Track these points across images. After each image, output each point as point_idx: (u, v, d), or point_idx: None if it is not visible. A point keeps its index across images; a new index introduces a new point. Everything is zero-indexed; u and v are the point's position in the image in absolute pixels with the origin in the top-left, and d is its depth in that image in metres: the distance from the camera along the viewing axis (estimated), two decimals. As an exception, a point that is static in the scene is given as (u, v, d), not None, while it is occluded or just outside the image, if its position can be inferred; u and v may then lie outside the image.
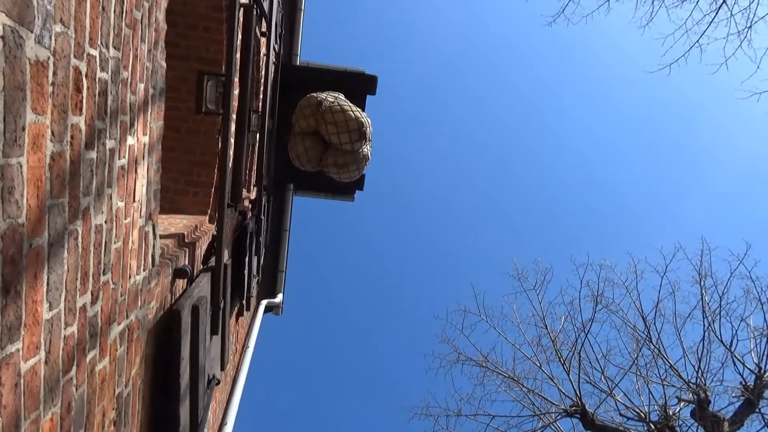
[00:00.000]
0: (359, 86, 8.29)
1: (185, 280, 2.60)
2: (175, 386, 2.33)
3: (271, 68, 6.00)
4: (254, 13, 3.74)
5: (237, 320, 5.22)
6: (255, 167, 5.81)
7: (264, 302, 8.52)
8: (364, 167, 7.37)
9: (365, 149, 7.12)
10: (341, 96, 7.14)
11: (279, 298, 9.09)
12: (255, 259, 5.54)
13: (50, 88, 1.20)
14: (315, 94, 7.08)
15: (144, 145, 1.90)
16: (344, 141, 6.83)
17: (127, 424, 1.92)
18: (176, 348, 2.32)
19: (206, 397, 3.00)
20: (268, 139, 6.05)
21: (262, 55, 5.25)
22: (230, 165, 3.90)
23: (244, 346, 6.59)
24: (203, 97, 3.03)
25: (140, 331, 2.04)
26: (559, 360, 9.91)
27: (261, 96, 5.57)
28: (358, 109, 7.09)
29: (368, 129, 6.89)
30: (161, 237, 2.81)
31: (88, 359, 1.52)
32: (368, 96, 8.34)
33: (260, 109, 5.47)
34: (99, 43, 1.43)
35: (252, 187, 6.00)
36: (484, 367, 10.34)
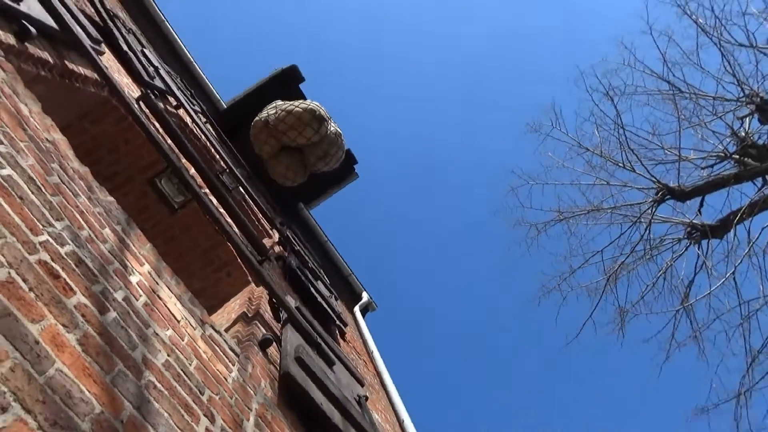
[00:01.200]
0: (287, 83, 8.16)
1: (274, 346, 2.65)
2: (333, 427, 2.40)
3: (206, 128, 5.96)
4: (153, 96, 3.70)
5: (344, 340, 5.32)
6: (260, 215, 5.83)
7: (356, 308, 8.67)
8: (342, 142, 7.30)
9: (331, 128, 7.04)
10: (279, 102, 7.05)
11: (365, 296, 9.22)
12: (319, 284, 5.62)
13: (32, 295, 1.21)
14: (257, 118, 7.00)
15: (149, 273, 1.92)
16: (310, 135, 6.77)
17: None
18: (309, 400, 2.38)
19: (366, 415, 3.09)
20: (250, 185, 6.05)
21: (190, 124, 5.20)
22: (236, 231, 3.93)
23: (370, 353, 6.74)
24: (167, 196, 3.03)
25: (271, 410, 2.10)
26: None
27: (216, 156, 5.54)
28: (300, 101, 6.99)
29: (320, 110, 6.79)
30: (230, 326, 2.87)
31: (244, 465, 1.57)
32: (300, 85, 8.21)
33: (225, 167, 5.45)
34: (41, 226, 1.43)
35: (271, 231, 6.04)
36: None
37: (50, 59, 2.52)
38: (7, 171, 1.42)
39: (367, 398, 3.36)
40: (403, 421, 4.87)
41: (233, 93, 8.57)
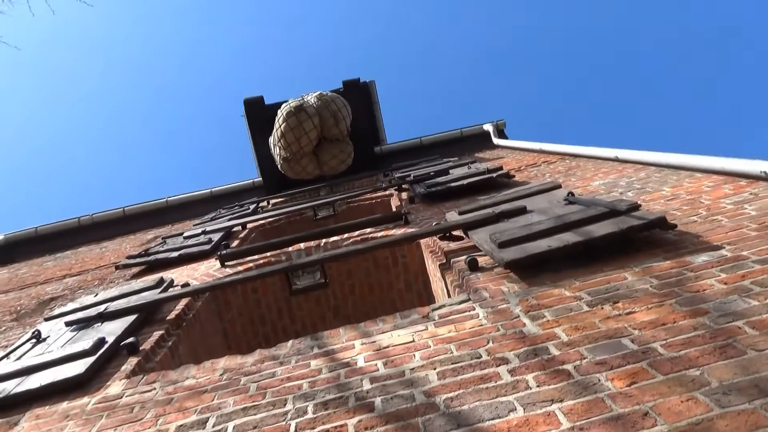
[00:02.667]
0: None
1: (478, 258, 2.74)
2: (573, 245, 2.44)
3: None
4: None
5: (511, 177, 5.28)
6: (367, 196, 6.03)
7: (495, 140, 8.58)
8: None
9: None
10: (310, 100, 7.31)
11: (487, 127, 9.07)
12: (453, 172, 5.64)
13: None
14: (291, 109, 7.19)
15: (362, 344, 2.11)
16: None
17: None
18: (539, 256, 2.44)
19: (583, 203, 3.07)
20: (337, 193, 6.26)
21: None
22: (369, 231, 4.09)
23: (540, 151, 6.64)
24: (303, 287, 3.26)
25: (529, 296, 2.20)
26: None
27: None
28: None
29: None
30: (443, 286, 3.03)
31: None
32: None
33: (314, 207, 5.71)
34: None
35: (386, 193, 6.19)
36: None
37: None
38: (228, 427, 1.65)
39: (572, 193, 3.35)
40: (616, 156, 4.75)
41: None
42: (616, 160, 4.76)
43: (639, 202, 2.81)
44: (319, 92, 7.57)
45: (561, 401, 1.45)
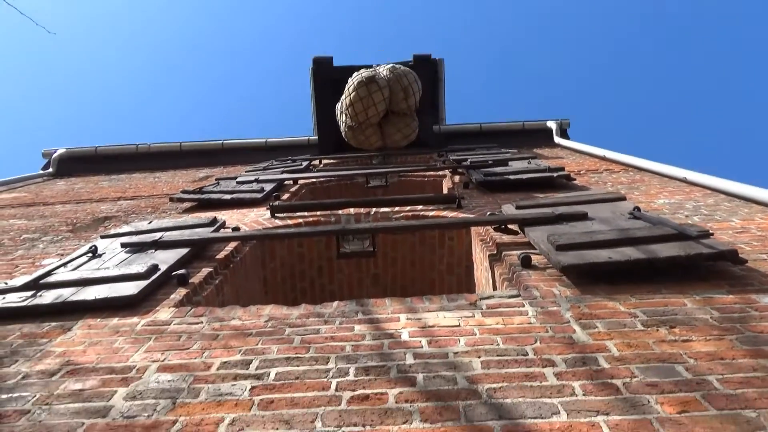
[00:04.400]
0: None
1: (532, 256, 2.72)
2: (631, 263, 2.39)
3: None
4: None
5: (572, 180, 5.16)
6: (421, 173, 6.02)
7: (557, 139, 8.41)
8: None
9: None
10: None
11: (550, 124, 8.87)
12: (512, 165, 5.56)
13: (367, 427, 1.44)
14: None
15: (407, 319, 2.13)
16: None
17: None
18: (598, 266, 2.40)
19: (648, 221, 2.99)
20: (389, 164, 6.25)
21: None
22: (420, 209, 4.10)
23: (603, 158, 6.47)
24: (353, 251, 3.28)
25: (582, 305, 2.17)
26: None
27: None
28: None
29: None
30: (491, 276, 3.01)
31: None
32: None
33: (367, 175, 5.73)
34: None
35: (440, 174, 6.16)
36: None
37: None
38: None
39: (638, 208, 3.26)
40: (685, 178, 4.59)
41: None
42: (684, 181, 4.60)
43: (710, 231, 2.71)
44: (391, 65, 7.52)
45: (607, 414, 1.44)
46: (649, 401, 1.49)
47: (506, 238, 3.19)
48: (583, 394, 1.54)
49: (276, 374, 1.78)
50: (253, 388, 1.70)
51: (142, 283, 2.59)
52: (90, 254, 3.22)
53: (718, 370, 1.63)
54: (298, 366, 1.82)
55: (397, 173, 6.07)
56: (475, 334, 1.98)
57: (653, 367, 1.67)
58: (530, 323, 2.05)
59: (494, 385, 1.61)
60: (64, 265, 3.03)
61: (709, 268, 2.45)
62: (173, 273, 2.79)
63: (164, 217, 4.72)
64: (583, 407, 1.48)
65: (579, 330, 1.96)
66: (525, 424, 1.41)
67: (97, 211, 5.34)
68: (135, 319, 2.34)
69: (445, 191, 5.63)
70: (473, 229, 3.75)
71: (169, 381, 1.78)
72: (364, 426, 1.45)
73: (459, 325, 2.07)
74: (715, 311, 2.04)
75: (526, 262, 2.64)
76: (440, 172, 6.20)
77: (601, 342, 1.86)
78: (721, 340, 1.81)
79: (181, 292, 2.65)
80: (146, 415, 1.58)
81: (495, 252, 3.09)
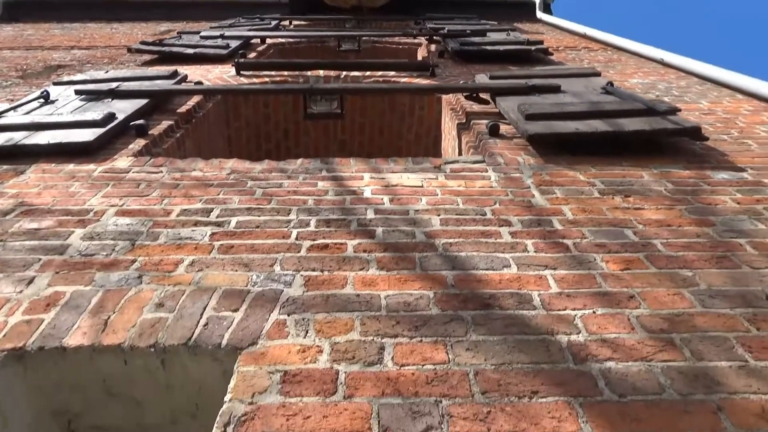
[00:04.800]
0: None
1: (502, 124, 2.70)
2: (599, 135, 2.40)
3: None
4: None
5: (550, 54, 5.02)
6: (395, 40, 5.75)
7: (539, 14, 8.07)
8: None
9: None
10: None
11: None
12: (489, 36, 5.36)
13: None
14: None
15: (371, 178, 2.13)
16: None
17: None
18: (565, 136, 2.40)
19: (620, 95, 2.97)
20: (365, 30, 5.93)
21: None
22: (392, 74, 3.96)
23: (584, 36, 6.29)
24: (319, 112, 3.18)
25: (544, 172, 2.20)
26: None
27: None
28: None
29: None
30: (457, 144, 3.00)
31: None
32: None
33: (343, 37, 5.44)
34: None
35: (416, 41, 5.91)
36: None
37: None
38: (233, 220, 1.71)
39: (611, 83, 3.21)
40: (662, 59, 4.52)
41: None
42: (661, 62, 4.53)
43: (679, 107, 2.71)
44: None
45: (554, 269, 1.50)
46: (595, 259, 1.56)
47: (477, 107, 3.14)
48: (535, 251, 1.60)
49: (237, 222, 1.78)
50: (213, 234, 1.71)
51: (98, 131, 2.50)
52: (42, 100, 3.05)
53: (663, 235, 1.70)
54: (259, 216, 1.83)
55: (371, 38, 5.79)
56: (437, 195, 2.00)
57: (604, 230, 1.73)
58: (491, 187, 2.07)
59: (451, 240, 1.66)
60: (14, 109, 2.88)
61: (671, 144, 2.49)
62: (132, 123, 2.69)
63: (122, 68, 4.46)
64: (533, 262, 1.54)
65: (538, 195, 2.00)
66: (476, 275, 1.47)
67: (49, 58, 5.00)
68: (92, 166, 2.28)
69: (419, 59, 5.43)
70: (444, 98, 3.67)
71: (127, 224, 1.77)
72: (322, 271, 1.49)
73: (422, 186, 2.08)
74: (670, 184, 2.10)
75: (493, 131, 2.62)
76: (416, 40, 5.94)
77: (557, 207, 1.90)
78: (671, 210, 1.88)
79: (140, 143, 2.57)
80: (104, 254, 1.59)
81: (464, 121, 3.05)
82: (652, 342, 1.21)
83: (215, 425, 0.99)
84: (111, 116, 2.67)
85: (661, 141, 2.49)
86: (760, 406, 1.03)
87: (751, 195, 2.00)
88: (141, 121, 2.68)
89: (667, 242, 1.66)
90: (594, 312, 1.31)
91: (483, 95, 3.19)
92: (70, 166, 2.27)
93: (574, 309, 1.32)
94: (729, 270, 1.51)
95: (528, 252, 1.60)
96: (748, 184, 2.10)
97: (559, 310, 1.32)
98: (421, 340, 1.21)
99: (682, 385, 1.08)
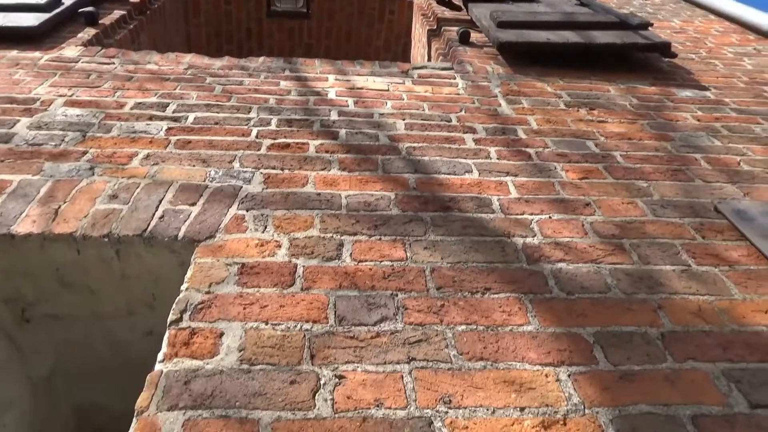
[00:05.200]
0: None
1: (473, 32, 2.62)
2: (573, 52, 2.36)
3: None
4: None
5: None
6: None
7: None
8: None
9: None
10: None
11: None
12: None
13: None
14: None
15: (335, 79, 2.06)
16: None
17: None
18: (536, 46, 2.35)
19: (596, 8, 2.90)
20: None
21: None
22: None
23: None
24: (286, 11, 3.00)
25: (512, 82, 2.17)
26: None
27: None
28: None
29: None
30: (427, 51, 2.92)
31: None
32: None
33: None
34: (245, 125, 1.65)
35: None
36: None
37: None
38: (190, 115, 1.64)
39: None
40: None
41: None
42: (638, -22, 4.41)
43: (651, 22, 2.67)
44: None
45: (515, 176, 1.52)
46: (555, 168, 1.58)
47: (448, 13, 3.03)
48: (497, 158, 1.60)
49: (194, 118, 1.72)
50: (169, 128, 1.64)
51: (43, 15, 2.31)
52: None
53: (623, 148, 1.72)
54: (218, 113, 1.76)
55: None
56: (403, 99, 1.96)
57: (566, 141, 1.74)
58: (458, 94, 2.04)
59: (414, 144, 1.64)
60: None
61: (640, 61, 2.47)
62: (80, 10, 2.50)
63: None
64: (495, 168, 1.55)
65: (504, 104, 1.98)
66: (438, 178, 1.47)
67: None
68: (37, 54, 2.13)
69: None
70: (416, 2, 3.52)
71: (77, 115, 1.68)
72: (282, 170, 1.46)
73: (388, 90, 2.03)
74: (635, 99, 2.10)
75: (464, 39, 2.55)
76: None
77: (523, 116, 1.89)
78: (633, 124, 1.89)
79: (89, 32, 2.40)
80: (53, 144, 1.52)
81: (435, 27, 2.95)
82: (602, 246, 1.25)
83: (171, 312, 0.99)
84: (56, 1, 2.47)
85: (631, 56, 2.47)
86: (697, 305, 1.09)
87: (711, 113, 2.03)
88: (90, 9, 2.49)
89: (627, 154, 1.68)
90: (550, 217, 1.34)
91: (456, 0, 3.07)
92: (14, 53, 2.12)
93: (531, 214, 1.35)
94: (682, 182, 1.55)
95: (490, 159, 1.60)
96: (710, 103, 2.12)
97: (516, 214, 1.34)
98: (380, 239, 1.22)
99: (627, 285, 1.13)
